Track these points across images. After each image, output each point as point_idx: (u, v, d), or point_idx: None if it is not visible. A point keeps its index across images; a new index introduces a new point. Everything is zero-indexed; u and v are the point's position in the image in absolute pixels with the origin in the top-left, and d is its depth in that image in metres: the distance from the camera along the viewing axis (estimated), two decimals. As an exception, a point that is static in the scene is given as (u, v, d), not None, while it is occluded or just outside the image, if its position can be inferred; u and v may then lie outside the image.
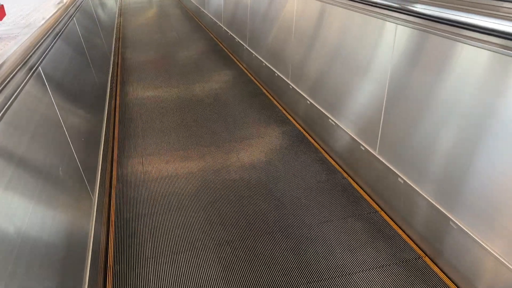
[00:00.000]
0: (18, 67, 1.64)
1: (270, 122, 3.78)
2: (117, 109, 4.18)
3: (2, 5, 2.31)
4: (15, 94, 1.52)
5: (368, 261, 2.14)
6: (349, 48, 2.68)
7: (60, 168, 1.70)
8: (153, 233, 2.39)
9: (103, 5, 7.14)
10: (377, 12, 2.27)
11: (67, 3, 3.37)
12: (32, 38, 2.05)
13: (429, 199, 2.06)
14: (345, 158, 2.94)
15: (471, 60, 1.70)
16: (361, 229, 2.38)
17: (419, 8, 1.93)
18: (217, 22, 6.69)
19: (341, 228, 2.38)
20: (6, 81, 1.47)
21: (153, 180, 2.93)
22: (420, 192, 2.11)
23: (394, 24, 2.14)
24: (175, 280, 2.06)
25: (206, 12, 7.61)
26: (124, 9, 10.38)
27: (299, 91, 3.56)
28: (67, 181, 1.86)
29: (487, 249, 1.75)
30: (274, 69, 4.16)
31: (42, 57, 2.06)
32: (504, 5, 1.52)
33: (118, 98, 4.48)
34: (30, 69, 1.81)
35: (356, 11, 2.52)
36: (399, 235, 2.32)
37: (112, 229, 2.44)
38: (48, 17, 2.66)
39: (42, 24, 2.41)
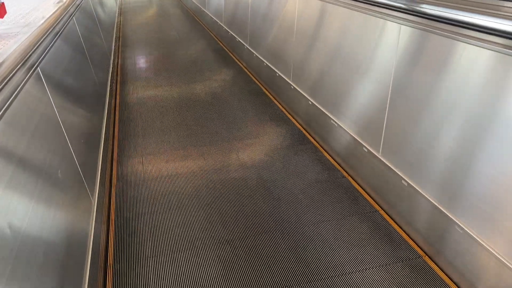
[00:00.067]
0: (18, 67, 1.63)
1: (271, 121, 3.78)
2: (117, 108, 4.18)
3: (3, 3, 2.31)
4: (14, 94, 1.51)
5: (368, 260, 2.14)
6: (352, 48, 2.66)
7: (59, 171, 1.69)
8: (153, 232, 2.39)
9: (103, 4, 7.13)
10: (381, 12, 2.26)
11: (66, 2, 3.36)
12: (31, 37, 2.05)
13: (434, 202, 2.04)
14: (347, 158, 2.94)
15: (478, 61, 1.68)
16: (361, 228, 2.37)
17: (423, 8, 1.92)
18: (218, 21, 6.68)
19: (341, 228, 2.38)
20: (5, 81, 1.46)
21: (153, 179, 2.93)
22: (425, 194, 2.09)
23: (398, 24, 2.13)
24: (175, 279, 2.06)
25: (206, 11, 7.61)
26: (124, 8, 10.37)
27: (301, 91, 3.55)
28: (66, 181, 1.86)
29: (489, 250, 1.74)
30: (275, 69, 4.16)
31: (42, 57, 2.05)
32: (505, 5, 1.51)
33: (118, 97, 4.48)
34: (30, 68, 1.81)
35: (358, 11, 2.50)
36: (400, 236, 2.32)
37: (112, 228, 2.44)
38: (47, 16, 2.66)
39: (42, 23, 2.41)
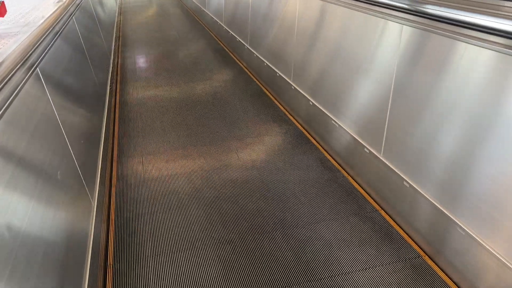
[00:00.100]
0: (17, 67, 1.63)
1: (271, 122, 3.78)
2: (117, 108, 4.17)
3: (3, 2, 2.31)
4: (14, 94, 1.51)
5: (368, 260, 2.13)
6: (353, 48, 2.65)
7: (58, 172, 1.69)
8: (153, 232, 2.39)
9: (103, 3, 7.13)
10: (382, 12, 2.25)
11: (66, 2, 3.36)
12: (31, 37, 2.04)
13: (435, 203, 2.03)
14: (348, 159, 2.93)
15: (480, 61, 1.66)
16: (361, 228, 2.37)
17: (425, 8, 1.91)
18: (218, 21, 6.67)
19: (341, 227, 2.38)
20: (5, 81, 1.46)
21: (153, 179, 2.92)
22: (427, 196, 2.08)
23: (400, 24, 2.11)
24: (175, 279, 2.06)
25: (206, 11, 7.60)
26: (124, 7, 10.36)
27: (301, 91, 3.54)
28: (66, 181, 1.86)
29: (490, 250, 1.74)
30: (275, 69, 4.15)
31: (41, 57, 2.05)
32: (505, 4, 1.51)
33: (118, 96, 4.48)
34: (29, 68, 1.81)
35: (359, 11, 2.49)
36: (401, 236, 2.32)
37: (112, 228, 2.44)
38: (47, 15, 2.66)
39: (42, 23, 2.40)
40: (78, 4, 3.97)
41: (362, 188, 2.74)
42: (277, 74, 4.08)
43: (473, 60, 1.71)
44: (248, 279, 2.05)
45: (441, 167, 1.97)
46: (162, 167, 3.06)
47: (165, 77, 5.04)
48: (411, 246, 2.23)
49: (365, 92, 2.58)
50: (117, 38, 7.16)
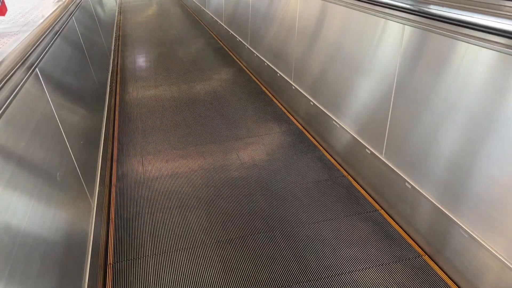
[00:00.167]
0: (17, 66, 1.63)
1: (271, 122, 3.77)
2: (117, 108, 4.17)
3: (3, 0, 2.31)
4: (13, 93, 1.51)
5: (368, 259, 2.13)
6: (355, 48, 2.63)
7: (58, 174, 1.69)
8: (153, 231, 2.39)
9: (102, 3, 7.12)
10: (384, 12, 2.23)
11: (66, 1, 3.36)
12: (31, 36, 2.04)
13: (439, 205, 2.01)
14: (349, 160, 2.91)
15: (485, 62, 1.64)
16: (362, 228, 2.37)
17: (425, 8, 1.91)
18: (218, 20, 6.67)
19: (341, 227, 2.38)
20: (4, 80, 1.46)
21: (153, 178, 2.92)
22: (430, 198, 2.06)
23: (402, 24, 2.10)
24: (175, 278, 2.05)
25: (206, 10, 7.59)
26: (124, 7, 10.36)
27: (302, 91, 3.53)
28: (66, 182, 1.86)
29: (491, 251, 1.74)
30: (276, 69, 4.14)
31: (41, 56, 2.05)
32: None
33: (118, 96, 4.48)
34: (29, 67, 1.80)
35: (361, 11, 2.47)
36: (402, 237, 2.32)
37: (112, 227, 2.44)
38: (47, 15, 2.65)
39: (41, 23, 2.40)
40: (78, 4, 3.96)
41: (363, 188, 2.74)
42: (278, 74, 4.08)
43: (475, 61, 1.69)
44: (248, 278, 2.05)
45: (443, 168, 1.96)
46: (162, 167, 3.06)
47: (165, 77, 5.04)
48: (411, 246, 2.23)
49: (366, 92, 2.57)
50: (117, 37, 7.16)
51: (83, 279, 1.73)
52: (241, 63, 5.46)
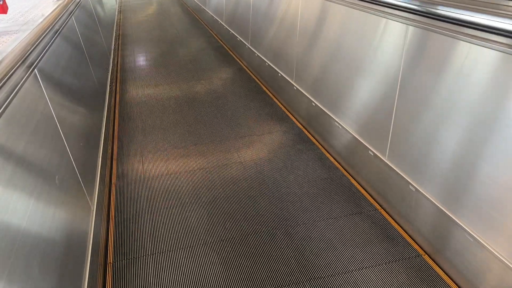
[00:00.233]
0: (16, 65, 1.62)
1: (272, 122, 3.77)
2: (117, 107, 4.17)
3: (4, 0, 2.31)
4: (13, 93, 1.50)
5: (368, 259, 2.13)
6: (359, 49, 2.60)
7: (56, 177, 1.68)
8: (153, 231, 2.38)
9: (102, 2, 7.12)
10: (388, 13, 2.21)
11: (66, 0, 3.35)
12: (30, 36, 2.04)
13: (443, 209, 2.00)
14: (351, 161, 2.89)
15: (493, 64, 1.62)
16: (362, 228, 2.37)
17: (429, 9, 1.89)
18: (218, 20, 6.65)
19: (342, 227, 2.37)
20: (4, 80, 1.45)
21: (153, 177, 2.92)
22: (434, 201, 2.05)
23: (406, 25, 2.08)
24: (175, 278, 2.05)
25: (207, 9, 7.58)
26: (123, 6, 10.35)
27: (304, 92, 3.50)
28: (66, 182, 1.86)
29: (492, 251, 1.74)
30: (277, 69, 4.12)
31: (41, 56, 2.04)
32: None
33: (118, 96, 4.47)
34: (28, 67, 1.80)
35: (365, 11, 2.45)
36: (402, 237, 2.31)
37: (112, 226, 2.44)
38: (47, 14, 2.65)
39: (41, 22, 2.40)
40: (78, 3, 3.96)
41: (365, 189, 2.74)
42: (279, 74, 4.06)
43: (483, 63, 1.65)
44: (248, 278, 2.05)
45: (446, 169, 1.94)
46: (162, 166, 3.06)
47: (165, 76, 5.03)
48: (411, 246, 2.22)
49: (370, 93, 2.53)
50: (117, 36, 7.15)
51: (83, 278, 1.73)
52: (242, 62, 5.45)
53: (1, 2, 2.51)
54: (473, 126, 1.75)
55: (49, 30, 2.40)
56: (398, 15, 2.13)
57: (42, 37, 2.18)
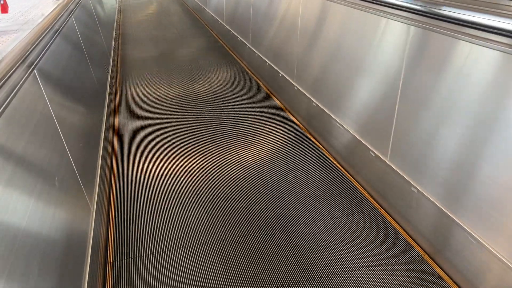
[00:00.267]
0: (16, 65, 1.62)
1: (273, 123, 3.77)
2: (117, 106, 4.17)
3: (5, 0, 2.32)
4: (12, 92, 1.50)
5: (368, 258, 2.13)
6: (361, 49, 2.58)
7: (56, 178, 1.68)
8: (153, 230, 2.38)
9: (102, 1, 7.11)
10: (390, 13, 2.19)
11: (66, 0, 3.35)
12: (30, 35, 2.03)
13: (443, 208, 1.99)
14: (352, 161, 2.88)
15: (499, 66, 1.60)
16: (362, 227, 2.37)
17: (429, 8, 1.89)
18: (219, 20, 6.65)
19: (341, 226, 2.37)
20: (3, 80, 1.45)
21: (153, 177, 2.92)
22: (433, 200, 2.04)
23: (407, 25, 2.07)
24: (175, 277, 2.05)
25: (207, 9, 7.58)
26: (124, 5, 10.34)
27: (305, 92, 3.49)
28: (66, 181, 1.85)
29: (493, 252, 1.74)
30: (277, 69, 4.11)
31: (41, 55, 2.04)
32: None
33: (118, 95, 4.47)
34: (28, 66, 1.80)
35: (366, 11, 2.43)
36: (403, 237, 2.31)
37: (112, 226, 2.44)
38: (47, 13, 2.65)
39: (41, 21, 2.39)
40: (78, 2, 3.96)
41: (366, 191, 2.73)
42: (279, 74, 4.05)
43: (489, 64, 1.64)
44: (248, 277, 2.05)
45: (449, 169, 1.92)
46: (162, 165, 3.06)
47: (166, 76, 5.03)
48: (411, 245, 2.22)
49: (371, 93, 2.52)
50: (117, 36, 7.15)
51: (83, 277, 1.73)
52: (242, 62, 5.45)
53: (1, 2, 2.51)
54: (476, 127, 1.74)
55: (49, 30, 2.40)
56: (400, 15, 2.12)
57: (42, 36, 2.18)
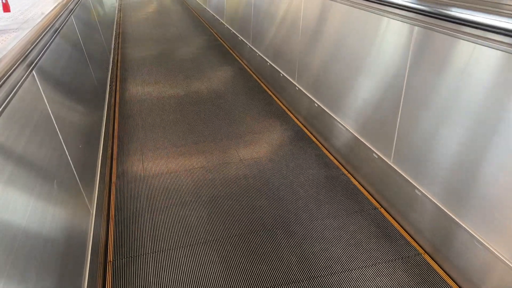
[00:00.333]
0: (16, 65, 1.62)
1: (275, 122, 3.76)
2: (117, 106, 4.17)
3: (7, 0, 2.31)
4: (12, 92, 1.50)
5: (368, 257, 2.13)
6: (364, 50, 2.56)
7: (55, 181, 1.67)
8: (153, 229, 2.38)
9: (102, 0, 7.10)
10: (393, 13, 2.17)
11: (66, -1, 3.34)
12: (30, 34, 2.03)
13: (444, 208, 1.98)
14: (354, 162, 2.87)
15: (505, 66, 1.58)
16: (362, 226, 2.36)
17: (432, 9, 1.88)
18: (219, 19, 6.64)
19: (341, 225, 2.37)
20: (3, 79, 1.45)
21: (153, 176, 2.92)
22: (434, 200, 2.03)
23: (411, 25, 2.05)
24: (175, 276, 2.05)
25: (207, 8, 7.57)
26: (124, 4, 10.33)
27: (307, 93, 3.46)
28: (66, 181, 1.85)
29: (494, 252, 1.73)
30: (279, 69, 4.09)
31: (41, 54, 2.04)
32: None
33: (118, 94, 4.47)
34: (28, 65, 1.79)
35: (369, 11, 2.41)
36: (403, 236, 2.31)
37: (112, 225, 2.44)
38: (47, 12, 2.64)
39: (41, 20, 2.39)
40: (78, 1, 3.95)
41: (369, 193, 2.73)
42: (281, 74, 4.04)
43: (496, 67, 1.62)
44: (248, 276, 2.05)
45: (454, 171, 1.91)
46: (162, 164, 3.06)
47: (166, 75, 5.03)
48: (411, 244, 2.22)
49: (375, 94, 2.49)
50: (117, 35, 7.14)
51: (83, 276, 1.73)
52: (242, 61, 5.44)
53: (3, 1, 2.51)
54: (483, 128, 1.71)
55: (49, 29, 2.40)
56: (405, 16, 2.10)
57: (42, 35, 2.18)
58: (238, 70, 5.15)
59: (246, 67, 5.24)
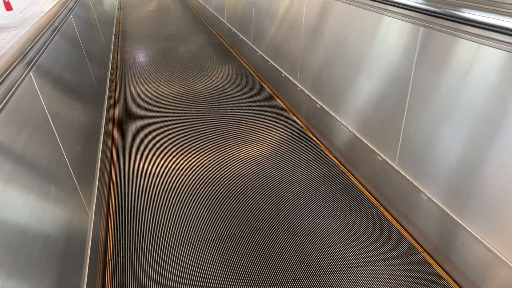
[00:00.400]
0: (15, 63, 1.62)
1: (276, 124, 3.76)
2: (116, 104, 4.16)
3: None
4: (11, 90, 1.50)
5: (368, 256, 2.13)
6: (368, 50, 2.53)
7: (52, 186, 1.66)
8: (152, 227, 2.38)
9: (102, -1, 7.09)
10: (399, 13, 2.15)
11: (65, -3, 3.34)
12: (29, 32, 2.03)
13: (445, 208, 1.98)
14: (355, 163, 2.86)
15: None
16: (362, 225, 2.37)
17: (439, 9, 1.86)
18: (220, 17, 6.63)
19: (341, 224, 2.37)
20: (3, 77, 1.45)
21: (153, 174, 2.92)
22: (436, 200, 2.03)
23: (417, 26, 2.03)
24: (174, 275, 2.06)
25: (208, 7, 7.55)
26: (123, 2, 10.32)
27: (309, 94, 3.44)
28: (66, 180, 1.85)
29: (494, 252, 1.73)
30: (280, 69, 4.07)
31: (39, 53, 2.03)
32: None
33: (117, 93, 4.47)
34: (28, 64, 1.79)
35: (373, 11, 2.39)
36: (402, 235, 2.31)
37: (111, 223, 2.44)
38: (46, 11, 2.64)
39: (40, 18, 2.39)
40: (77, 0, 3.94)
41: (372, 195, 2.73)
42: (282, 74, 4.02)
43: (503, 68, 1.59)
44: (248, 275, 2.05)
45: (451, 170, 1.91)
46: (162, 162, 3.06)
47: (165, 73, 5.02)
48: (410, 243, 2.22)
49: (380, 96, 2.46)
50: (117, 33, 7.14)
51: (82, 274, 1.73)
52: (243, 61, 5.43)
53: None
54: (492, 129, 1.69)
55: (48, 27, 2.39)
56: (411, 16, 2.07)
57: (41, 34, 2.17)
58: (239, 69, 5.14)
59: (246, 65, 5.23)
